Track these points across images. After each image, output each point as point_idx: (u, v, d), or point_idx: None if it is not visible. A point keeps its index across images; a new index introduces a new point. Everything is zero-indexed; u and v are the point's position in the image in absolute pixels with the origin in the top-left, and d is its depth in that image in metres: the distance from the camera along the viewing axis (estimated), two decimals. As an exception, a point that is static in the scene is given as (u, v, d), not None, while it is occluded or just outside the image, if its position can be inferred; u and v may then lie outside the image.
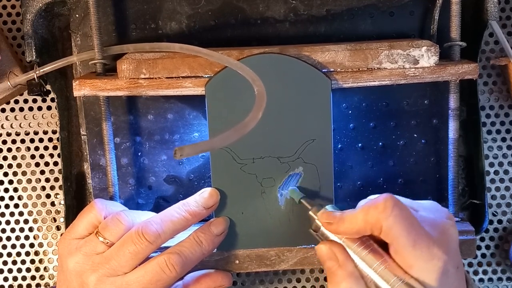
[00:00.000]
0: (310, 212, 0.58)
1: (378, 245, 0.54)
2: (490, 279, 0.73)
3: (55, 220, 0.72)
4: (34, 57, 0.64)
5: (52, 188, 0.72)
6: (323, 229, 0.57)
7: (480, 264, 0.73)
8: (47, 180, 0.71)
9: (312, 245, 0.63)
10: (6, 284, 0.71)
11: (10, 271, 0.72)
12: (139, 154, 0.67)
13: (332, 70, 0.61)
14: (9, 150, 0.71)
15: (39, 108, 0.71)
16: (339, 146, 0.67)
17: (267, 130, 0.61)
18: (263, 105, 0.51)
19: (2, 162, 0.71)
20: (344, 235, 0.55)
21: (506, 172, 0.72)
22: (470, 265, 0.73)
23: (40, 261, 0.72)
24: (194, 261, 0.59)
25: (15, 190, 0.71)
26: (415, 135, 0.67)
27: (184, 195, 0.66)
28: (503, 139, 0.72)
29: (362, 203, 0.56)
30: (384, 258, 0.53)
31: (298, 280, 0.73)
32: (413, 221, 0.53)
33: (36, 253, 0.72)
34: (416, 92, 0.67)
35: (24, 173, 0.71)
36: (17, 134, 0.71)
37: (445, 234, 0.55)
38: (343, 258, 0.55)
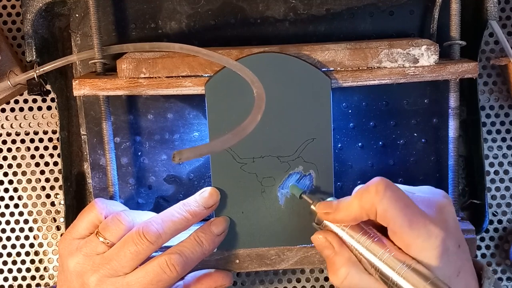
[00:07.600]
0: (312, 206, 0.58)
1: (379, 230, 0.54)
2: (491, 279, 0.73)
3: (55, 220, 0.72)
4: (34, 57, 0.64)
5: (52, 188, 0.71)
6: (325, 221, 0.57)
7: (480, 264, 0.73)
8: (47, 180, 0.71)
9: (313, 244, 0.63)
10: (6, 284, 0.71)
11: (10, 271, 0.72)
12: (139, 153, 0.67)
13: (332, 69, 0.61)
14: (9, 150, 0.71)
15: (39, 108, 0.71)
16: (339, 145, 0.67)
17: (267, 129, 0.61)
18: (262, 107, 0.51)
19: (2, 162, 0.71)
20: (342, 223, 0.56)
21: (506, 172, 0.72)
22: (470, 264, 0.73)
23: (40, 261, 0.72)
24: (194, 261, 0.59)
25: (15, 190, 0.71)
26: (415, 134, 0.67)
27: (184, 194, 0.67)
28: (503, 139, 0.72)
29: (357, 189, 0.56)
30: (388, 245, 0.53)
31: (298, 280, 0.73)
32: (407, 201, 0.53)
33: (36, 253, 0.72)
34: (416, 91, 0.67)
35: (24, 173, 0.71)
36: (17, 134, 0.71)
37: (442, 213, 0.55)
38: (338, 245, 0.56)
